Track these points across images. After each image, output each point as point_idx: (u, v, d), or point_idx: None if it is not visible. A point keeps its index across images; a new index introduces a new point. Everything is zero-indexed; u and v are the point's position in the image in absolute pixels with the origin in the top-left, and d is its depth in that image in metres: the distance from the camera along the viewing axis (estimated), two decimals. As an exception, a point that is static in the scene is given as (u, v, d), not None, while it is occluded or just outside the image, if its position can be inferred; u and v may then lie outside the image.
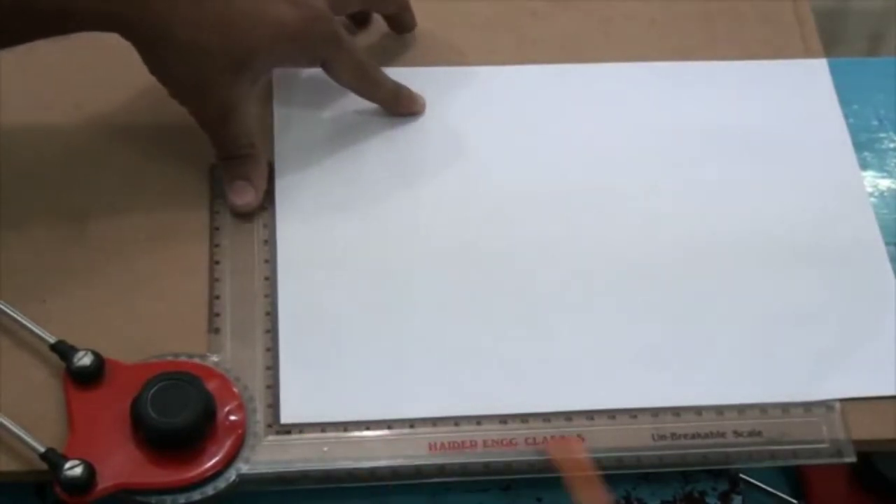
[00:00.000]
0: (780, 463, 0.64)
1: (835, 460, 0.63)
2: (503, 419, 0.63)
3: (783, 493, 0.67)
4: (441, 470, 0.62)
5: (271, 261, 0.68)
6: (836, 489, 0.69)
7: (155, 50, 0.65)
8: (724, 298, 0.68)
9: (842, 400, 0.64)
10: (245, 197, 0.68)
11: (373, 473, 0.62)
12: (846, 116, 0.76)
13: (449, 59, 0.76)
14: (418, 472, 0.62)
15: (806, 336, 0.67)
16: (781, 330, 0.67)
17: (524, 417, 0.63)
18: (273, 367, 0.64)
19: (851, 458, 0.63)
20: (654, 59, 0.77)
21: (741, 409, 0.64)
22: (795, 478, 0.67)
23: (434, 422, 0.63)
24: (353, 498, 0.63)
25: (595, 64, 0.77)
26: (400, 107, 0.73)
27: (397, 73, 0.74)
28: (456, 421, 0.63)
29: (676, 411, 0.64)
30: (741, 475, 0.65)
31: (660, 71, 0.77)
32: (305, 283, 0.67)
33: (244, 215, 0.69)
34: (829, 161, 0.74)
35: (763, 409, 0.64)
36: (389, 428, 0.63)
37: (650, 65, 0.77)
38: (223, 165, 0.69)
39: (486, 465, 0.62)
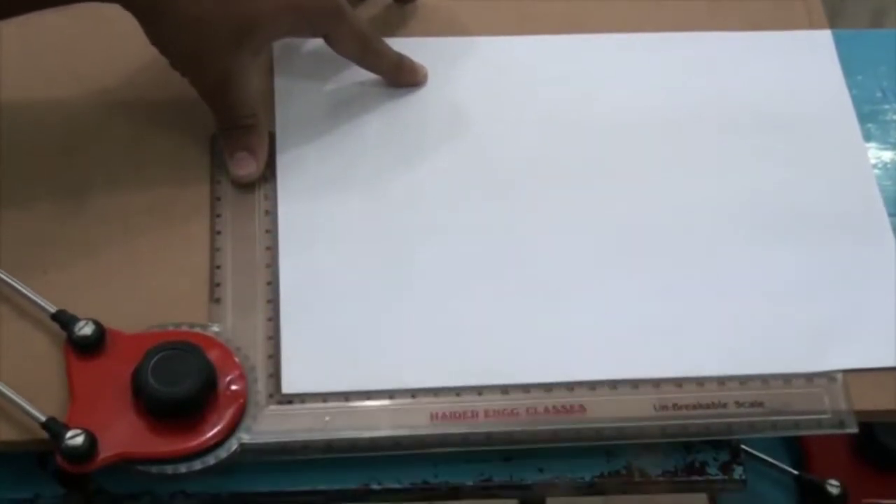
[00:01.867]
0: (782, 433, 0.63)
1: (837, 431, 0.63)
2: (505, 389, 0.63)
3: (784, 463, 0.68)
4: (442, 440, 0.61)
5: (272, 231, 0.67)
6: (837, 460, 0.69)
7: (155, 20, 0.65)
8: (726, 269, 0.68)
9: (844, 371, 0.64)
10: (247, 168, 0.68)
11: (374, 443, 0.61)
12: (850, 88, 0.75)
13: (450, 30, 0.76)
14: (420, 442, 0.61)
15: (808, 307, 0.66)
16: (784, 301, 0.67)
17: (526, 388, 0.63)
18: (274, 337, 0.64)
19: (853, 429, 0.63)
20: (656, 31, 0.77)
21: (743, 379, 0.64)
22: (796, 448, 0.67)
23: (435, 392, 0.62)
24: (355, 468, 0.63)
25: (596, 34, 0.76)
26: (401, 78, 0.73)
27: (399, 44, 0.74)
28: (457, 391, 0.63)
29: (678, 382, 0.63)
30: (742, 446, 0.65)
31: (662, 41, 0.77)
32: (307, 254, 0.67)
33: (245, 186, 0.68)
34: (833, 132, 0.73)
35: (765, 379, 0.64)
36: (391, 398, 0.62)
37: (652, 35, 0.77)
38: (224, 136, 0.69)
39: (488, 435, 0.62)
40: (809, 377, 0.64)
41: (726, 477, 0.63)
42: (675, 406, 0.63)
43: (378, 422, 0.62)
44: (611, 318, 0.66)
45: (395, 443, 0.62)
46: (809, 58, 0.76)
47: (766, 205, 0.70)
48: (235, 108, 0.68)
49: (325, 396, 0.62)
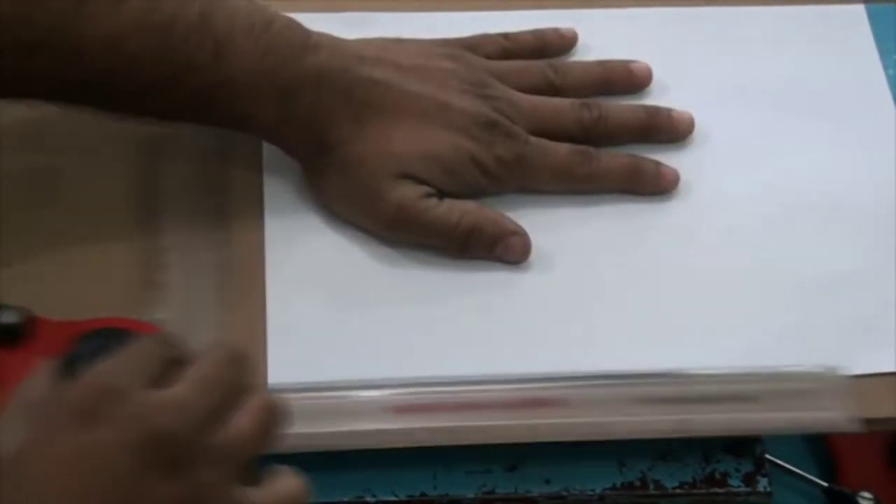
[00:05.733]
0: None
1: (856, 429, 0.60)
2: (502, 379, 0.61)
3: (812, 474, 0.66)
4: (433, 434, 0.59)
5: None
6: (869, 470, 0.68)
7: (323, 166, 0.65)
8: (751, 262, 0.66)
9: (873, 375, 0.62)
10: (520, 247, 0.65)
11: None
12: (885, 67, 0.73)
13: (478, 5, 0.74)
14: (408, 435, 0.59)
15: (839, 307, 0.64)
16: (812, 298, 0.65)
17: (512, 378, 0.61)
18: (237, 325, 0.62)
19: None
20: (680, 5, 0.75)
21: (762, 376, 0.61)
22: (825, 458, 0.65)
23: (423, 383, 0.60)
24: (349, 479, 0.61)
25: (616, 9, 0.74)
26: (642, 186, 0.68)
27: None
28: (448, 381, 0.61)
29: (697, 378, 0.61)
30: (767, 455, 0.62)
31: (685, 16, 0.75)
32: (294, 244, 0.65)
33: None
34: (867, 114, 0.71)
35: (785, 376, 0.61)
36: (377, 389, 0.60)
37: (679, 9, 0.75)
38: (467, 252, 0.64)
39: (484, 429, 0.59)
40: (827, 375, 0.61)
41: (749, 489, 0.61)
42: (659, 400, 0.60)
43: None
44: (633, 312, 0.64)
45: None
46: (842, 34, 0.74)
47: (791, 193, 0.68)
48: (439, 224, 0.64)
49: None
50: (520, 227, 0.65)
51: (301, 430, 0.55)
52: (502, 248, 0.64)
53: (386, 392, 0.60)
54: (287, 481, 0.49)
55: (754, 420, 0.60)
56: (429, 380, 0.60)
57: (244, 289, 0.63)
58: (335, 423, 0.59)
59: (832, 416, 0.60)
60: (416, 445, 0.59)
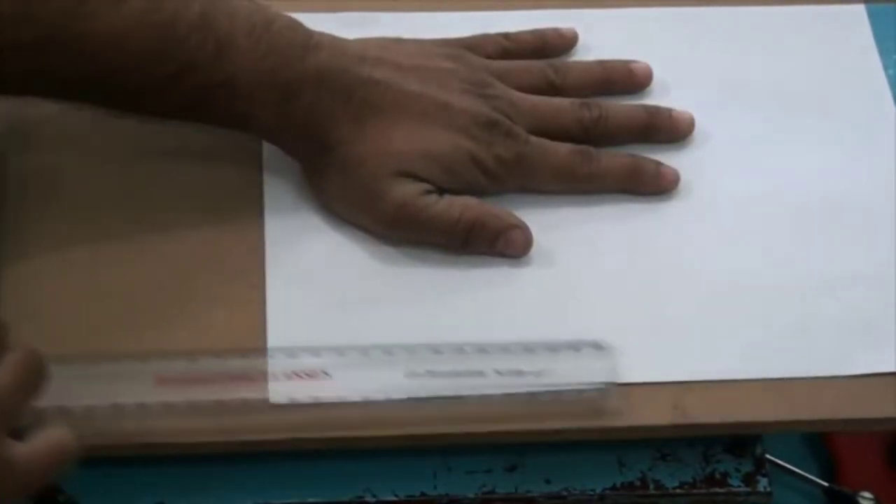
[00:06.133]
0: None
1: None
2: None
3: (812, 474, 0.66)
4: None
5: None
6: (870, 470, 0.67)
7: (322, 165, 0.64)
8: (751, 262, 0.65)
9: (873, 375, 0.62)
10: (521, 240, 0.64)
11: None
12: (885, 67, 0.73)
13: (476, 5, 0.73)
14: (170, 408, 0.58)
15: (839, 306, 0.64)
16: (812, 298, 0.64)
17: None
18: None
19: None
20: (680, 5, 0.75)
21: (767, 382, 0.61)
22: (825, 458, 0.65)
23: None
24: (348, 479, 0.61)
25: (616, 9, 0.74)
26: (642, 186, 0.67)
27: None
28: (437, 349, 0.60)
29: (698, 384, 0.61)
30: (767, 455, 0.62)
31: (685, 16, 0.74)
32: (294, 244, 0.65)
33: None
34: (867, 114, 0.71)
35: (788, 381, 0.61)
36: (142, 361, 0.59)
37: (678, 9, 0.74)
38: (469, 247, 0.64)
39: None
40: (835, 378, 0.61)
41: (749, 489, 0.61)
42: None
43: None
44: (632, 318, 0.63)
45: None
46: (842, 34, 0.74)
47: (792, 193, 0.68)
48: (440, 220, 0.63)
49: None
50: (521, 220, 0.64)
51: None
52: (503, 243, 0.64)
53: (152, 363, 0.58)
54: (52, 433, 0.50)
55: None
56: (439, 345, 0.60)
57: (244, 288, 0.63)
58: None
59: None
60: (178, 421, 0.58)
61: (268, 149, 0.66)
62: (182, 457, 0.60)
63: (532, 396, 0.59)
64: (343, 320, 0.62)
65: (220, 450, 0.59)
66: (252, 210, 0.65)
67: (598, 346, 0.60)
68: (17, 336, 0.58)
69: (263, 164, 0.67)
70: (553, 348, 0.60)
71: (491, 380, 0.59)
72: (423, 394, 0.59)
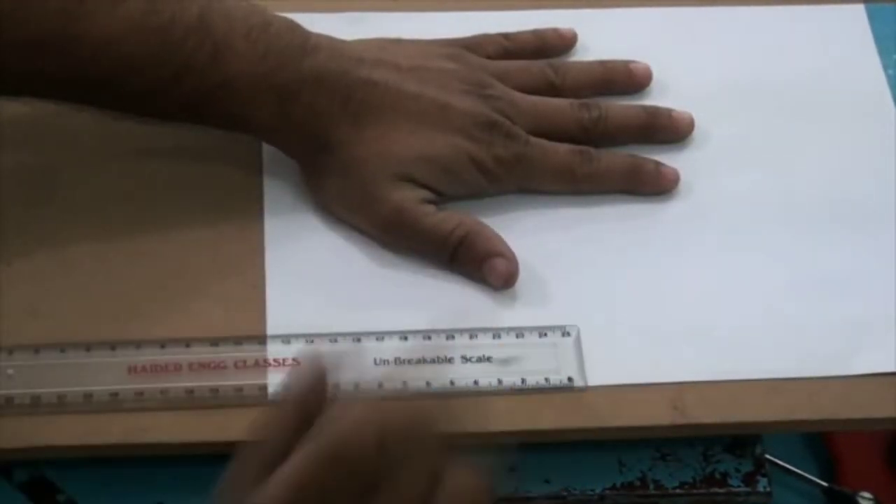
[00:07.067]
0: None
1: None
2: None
3: (812, 474, 0.65)
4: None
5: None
6: (870, 470, 0.67)
7: (320, 165, 0.64)
8: (751, 262, 0.65)
9: (873, 375, 0.62)
10: (502, 270, 0.63)
11: None
12: (885, 67, 0.72)
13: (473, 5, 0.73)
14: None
15: (839, 307, 0.64)
16: (812, 298, 0.64)
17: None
18: None
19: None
20: (680, 5, 0.74)
21: (767, 382, 0.61)
22: (825, 458, 0.65)
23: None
24: None
25: (616, 9, 0.74)
26: (642, 185, 0.67)
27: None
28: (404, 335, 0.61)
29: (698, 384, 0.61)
30: (767, 455, 0.62)
31: (685, 16, 0.74)
32: (294, 244, 0.65)
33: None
34: (866, 115, 0.70)
35: (788, 381, 0.61)
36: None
37: (675, 10, 0.74)
38: (455, 265, 0.64)
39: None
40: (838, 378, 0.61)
41: (749, 489, 0.61)
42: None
43: None
44: (629, 320, 0.63)
45: None
46: (841, 34, 0.74)
47: (791, 193, 0.68)
48: (432, 231, 0.63)
49: None
50: (511, 252, 0.63)
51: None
52: (488, 268, 0.63)
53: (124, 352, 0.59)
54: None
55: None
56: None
57: (244, 288, 0.63)
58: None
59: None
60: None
61: (268, 149, 0.66)
62: (182, 457, 0.60)
63: (503, 384, 0.60)
64: (343, 320, 0.62)
65: (220, 450, 0.59)
66: (252, 210, 0.65)
67: (565, 332, 0.61)
68: (17, 335, 0.60)
69: (263, 164, 0.66)
70: (521, 334, 0.61)
71: (458, 367, 0.60)
72: (390, 381, 0.59)
